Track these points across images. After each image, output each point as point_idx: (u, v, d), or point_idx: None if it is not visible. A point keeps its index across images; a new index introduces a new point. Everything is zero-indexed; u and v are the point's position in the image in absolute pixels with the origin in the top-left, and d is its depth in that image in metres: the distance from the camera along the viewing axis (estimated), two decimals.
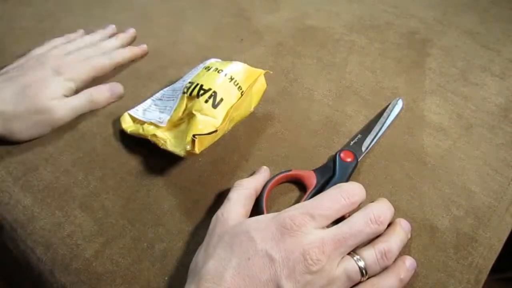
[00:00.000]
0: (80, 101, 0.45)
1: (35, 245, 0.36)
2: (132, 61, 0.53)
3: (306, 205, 0.32)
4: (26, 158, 0.42)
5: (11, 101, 0.41)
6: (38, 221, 0.37)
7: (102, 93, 0.46)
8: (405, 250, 0.35)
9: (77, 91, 0.46)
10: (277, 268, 0.28)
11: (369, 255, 0.31)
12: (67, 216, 0.37)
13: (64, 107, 0.43)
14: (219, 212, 0.34)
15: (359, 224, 0.31)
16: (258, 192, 0.37)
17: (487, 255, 0.36)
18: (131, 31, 0.55)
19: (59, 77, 0.44)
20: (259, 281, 0.28)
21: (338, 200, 0.33)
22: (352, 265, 0.30)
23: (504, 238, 0.38)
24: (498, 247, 0.37)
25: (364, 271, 0.30)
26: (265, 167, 0.39)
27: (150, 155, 0.42)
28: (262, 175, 0.38)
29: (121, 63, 0.52)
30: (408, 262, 0.33)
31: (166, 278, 0.34)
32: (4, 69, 0.46)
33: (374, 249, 0.31)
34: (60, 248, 0.36)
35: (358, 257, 0.31)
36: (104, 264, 0.34)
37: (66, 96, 0.45)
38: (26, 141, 0.43)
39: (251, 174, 0.40)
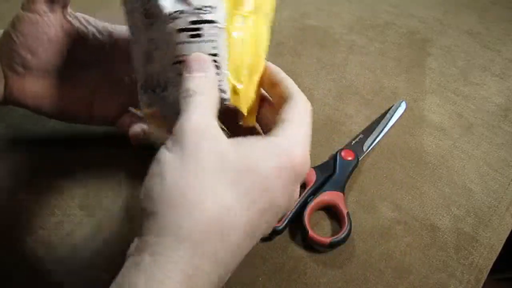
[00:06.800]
0: None
1: (35, 244, 0.36)
2: None
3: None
4: (26, 156, 0.42)
5: None
6: (38, 220, 0.37)
7: None
8: (407, 249, 0.35)
9: None
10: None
11: None
12: (66, 215, 0.37)
13: None
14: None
15: None
16: None
17: (488, 255, 0.36)
18: None
19: None
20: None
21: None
22: None
23: (504, 238, 0.38)
24: (498, 247, 0.37)
25: None
26: None
27: (150, 154, 0.42)
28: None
29: None
30: None
31: None
32: None
33: None
34: (59, 248, 0.35)
35: None
36: (103, 263, 0.34)
37: None
38: None
39: None
